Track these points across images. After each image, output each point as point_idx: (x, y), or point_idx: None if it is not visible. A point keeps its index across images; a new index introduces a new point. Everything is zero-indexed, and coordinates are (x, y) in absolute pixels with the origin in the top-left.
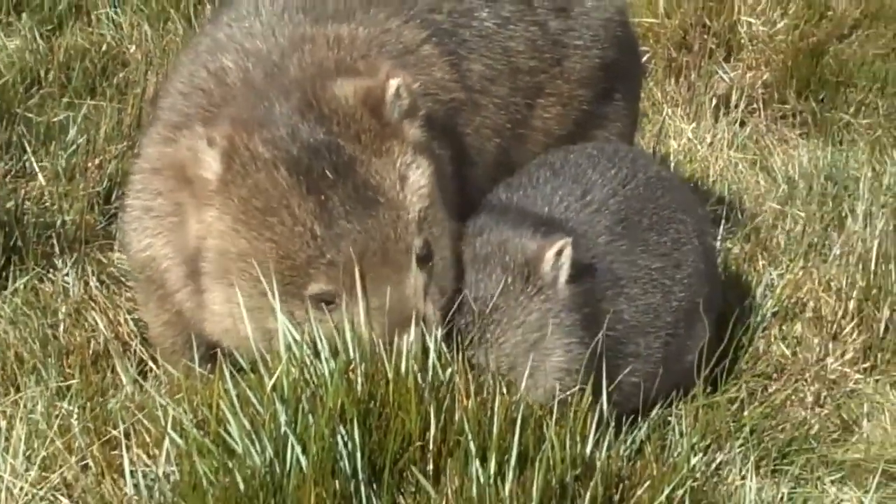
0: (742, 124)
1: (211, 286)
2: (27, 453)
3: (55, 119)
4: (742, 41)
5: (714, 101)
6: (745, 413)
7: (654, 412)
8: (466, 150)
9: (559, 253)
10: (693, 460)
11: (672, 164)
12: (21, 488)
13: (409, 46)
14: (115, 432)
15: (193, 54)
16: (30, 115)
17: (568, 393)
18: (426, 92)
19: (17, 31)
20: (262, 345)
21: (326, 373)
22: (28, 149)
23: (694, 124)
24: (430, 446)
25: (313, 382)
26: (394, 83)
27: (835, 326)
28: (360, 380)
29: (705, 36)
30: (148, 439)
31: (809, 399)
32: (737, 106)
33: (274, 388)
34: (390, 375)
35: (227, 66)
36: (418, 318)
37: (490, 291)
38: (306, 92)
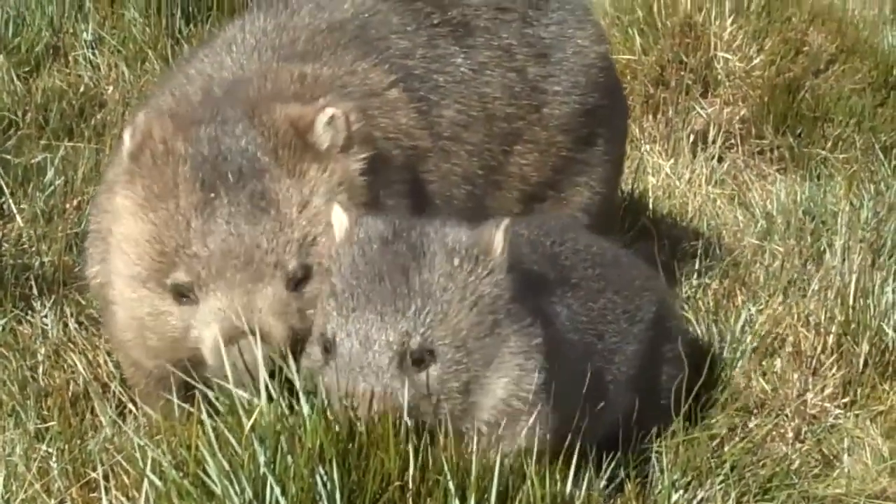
0: (720, 160)
1: (111, 278)
2: (6, 496)
3: (33, 161)
4: (719, 77)
5: (692, 137)
6: (726, 449)
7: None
8: (430, 197)
9: (505, 234)
10: (674, 497)
11: (650, 201)
12: None
13: (374, 89)
14: (94, 474)
15: (163, 86)
16: (7, 156)
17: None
18: (388, 136)
19: None
20: (138, 339)
21: (305, 412)
22: (6, 190)
23: (672, 160)
24: (410, 486)
25: (291, 422)
26: (329, 111)
27: (814, 361)
28: (340, 419)
29: (682, 72)
30: (127, 481)
31: (790, 434)
32: (714, 142)
33: (252, 428)
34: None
35: (193, 92)
36: (259, 333)
37: (436, 275)
38: (250, 106)
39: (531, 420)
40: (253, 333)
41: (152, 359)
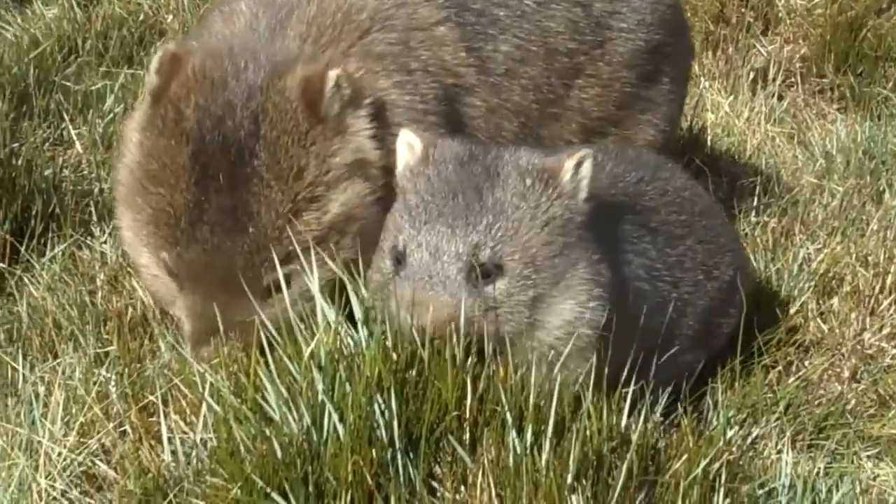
0: (780, 98)
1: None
2: (65, 419)
3: (93, 88)
4: (780, 15)
5: (751, 75)
6: (782, 387)
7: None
8: (473, 130)
9: (579, 165)
10: (729, 434)
11: (709, 138)
12: (59, 453)
13: (420, 24)
14: (152, 398)
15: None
16: (67, 83)
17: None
18: (427, 69)
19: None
20: (141, 271)
21: (363, 341)
22: (66, 117)
23: (731, 98)
24: (467, 416)
25: (351, 351)
26: (333, 74)
27: (872, 301)
28: (399, 348)
29: (743, 9)
30: (185, 406)
31: (846, 374)
32: (774, 80)
33: (311, 356)
34: (428, 344)
35: (240, 9)
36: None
37: (509, 193)
38: (269, 75)
39: (587, 352)
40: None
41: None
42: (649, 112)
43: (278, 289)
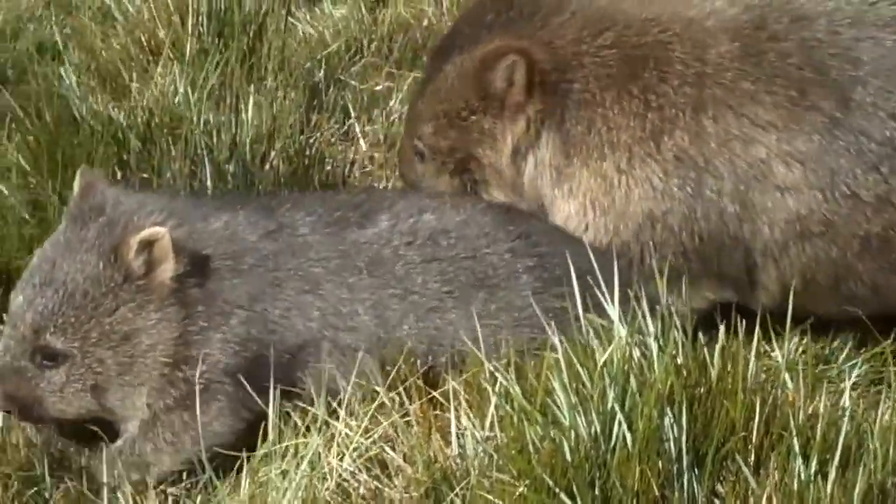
0: None
1: None
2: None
3: (377, 88)
4: None
5: None
6: None
7: None
8: (755, 236)
9: (151, 243)
10: None
11: None
12: (347, 436)
13: (745, 113)
14: (445, 388)
15: None
16: (353, 82)
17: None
18: (712, 144)
19: (344, 0)
20: None
21: (655, 354)
22: (353, 114)
23: None
24: (753, 438)
25: (641, 363)
26: (511, 57)
27: None
28: (689, 365)
29: None
30: (468, 403)
31: None
32: None
33: (604, 365)
34: (718, 363)
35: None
36: None
37: (80, 273)
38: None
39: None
40: None
41: None
42: None
43: (420, 155)
